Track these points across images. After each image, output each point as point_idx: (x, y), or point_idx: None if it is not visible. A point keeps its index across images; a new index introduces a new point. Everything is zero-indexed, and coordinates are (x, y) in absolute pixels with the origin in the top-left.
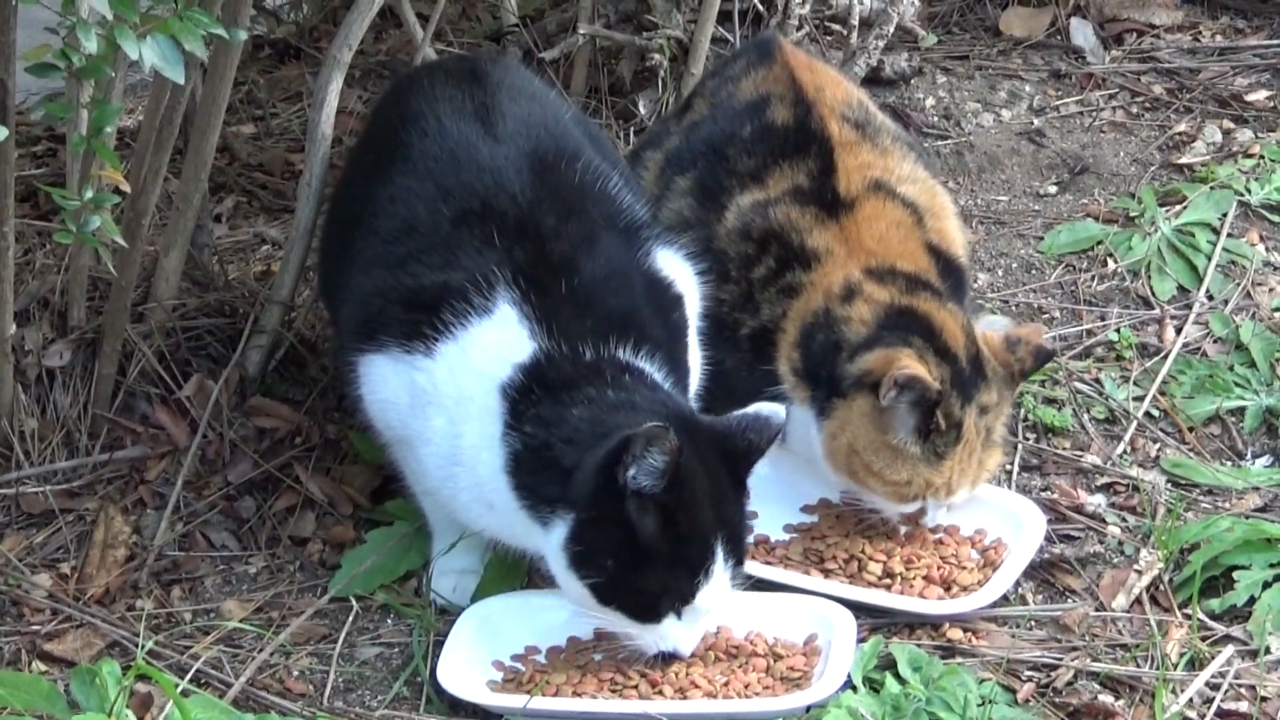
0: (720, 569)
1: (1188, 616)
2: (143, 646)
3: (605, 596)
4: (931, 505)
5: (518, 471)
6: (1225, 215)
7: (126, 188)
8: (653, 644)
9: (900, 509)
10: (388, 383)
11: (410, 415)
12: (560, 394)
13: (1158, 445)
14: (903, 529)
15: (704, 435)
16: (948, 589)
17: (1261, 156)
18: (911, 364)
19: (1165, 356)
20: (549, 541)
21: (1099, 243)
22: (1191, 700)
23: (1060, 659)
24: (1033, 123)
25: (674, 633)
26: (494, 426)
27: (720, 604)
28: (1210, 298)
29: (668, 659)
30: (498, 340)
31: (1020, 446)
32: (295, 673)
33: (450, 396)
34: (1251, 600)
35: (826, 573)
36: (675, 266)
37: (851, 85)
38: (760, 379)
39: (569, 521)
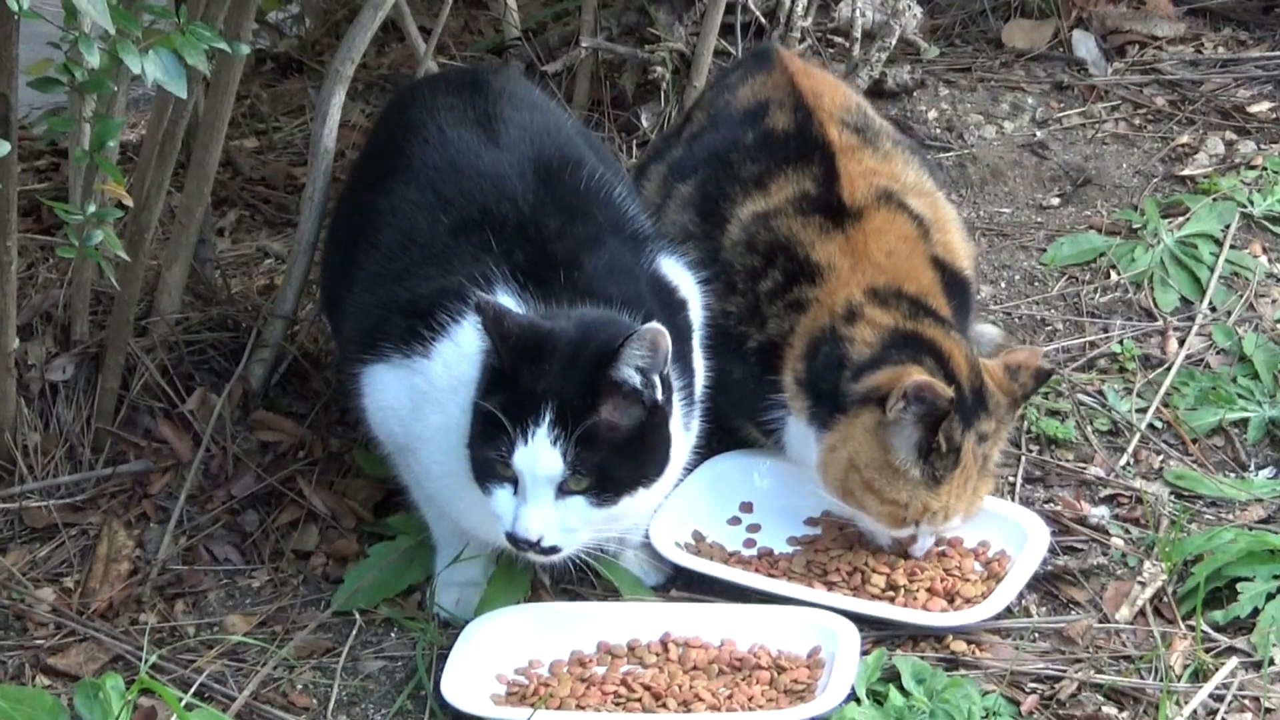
0: (544, 435)
1: (1191, 628)
2: (146, 660)
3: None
4: (924, 532)
5: None
6: (1228, 227)
7: (129, 202)
8: (495, 522)
9: (893, 533)
10: (389, 389)
11: (411, 419)
12: None
13: (1161, 457)
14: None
15: (588, 329)
16: (951, 601)
17: (1264, 168)
18: (924, 375)
19: (1168, 368)
20: None
21: (1102, 254)
22: (1195, 712)
23: (1064, 671)
24: (1035, 135)
25: (505, 504)
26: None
27: (547, 471)
28: (1213, 309)
29: (523, 548)
30: None
31: (1024, 458)
32: (299, 686)
33: (445, 389)
34: (1255, 612)
35: (830, 585)
36: (679, 274)
37: (850, 90)
38: (766, 390)
39: None
